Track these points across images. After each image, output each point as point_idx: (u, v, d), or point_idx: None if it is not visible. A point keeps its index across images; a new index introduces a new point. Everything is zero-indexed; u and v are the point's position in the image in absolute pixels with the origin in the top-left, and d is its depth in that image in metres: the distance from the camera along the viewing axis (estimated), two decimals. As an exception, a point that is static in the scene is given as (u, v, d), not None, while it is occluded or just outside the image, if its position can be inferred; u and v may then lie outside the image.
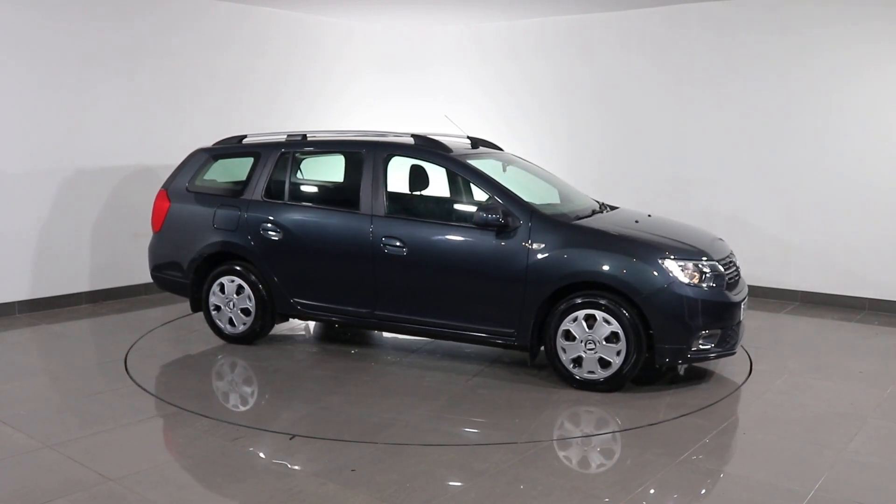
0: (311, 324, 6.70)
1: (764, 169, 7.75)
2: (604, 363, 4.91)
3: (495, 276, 5.12)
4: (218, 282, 5.97)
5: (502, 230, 5.10)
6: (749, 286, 7.79)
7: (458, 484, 3.72)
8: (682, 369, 5.32)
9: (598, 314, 4.88)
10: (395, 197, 5.75)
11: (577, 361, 4.97)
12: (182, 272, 6.10)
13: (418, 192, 6.09)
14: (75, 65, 7.12)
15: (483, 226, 5.11)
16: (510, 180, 6.20)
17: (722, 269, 5.05)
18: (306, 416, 4.57)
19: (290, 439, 4.22)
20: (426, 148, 5.60)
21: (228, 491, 3.64)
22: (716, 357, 5.03)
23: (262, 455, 4.03)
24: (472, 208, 5.42)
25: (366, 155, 5.66)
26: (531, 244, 5.04)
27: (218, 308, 6.00)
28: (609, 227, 5.21)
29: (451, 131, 6.44)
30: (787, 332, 6.72)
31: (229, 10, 8.26)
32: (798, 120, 7.53)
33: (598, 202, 5.97)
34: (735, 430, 4.45)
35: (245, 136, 6.32)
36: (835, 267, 7.48)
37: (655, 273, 4.83)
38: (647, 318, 4.81)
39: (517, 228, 5.08)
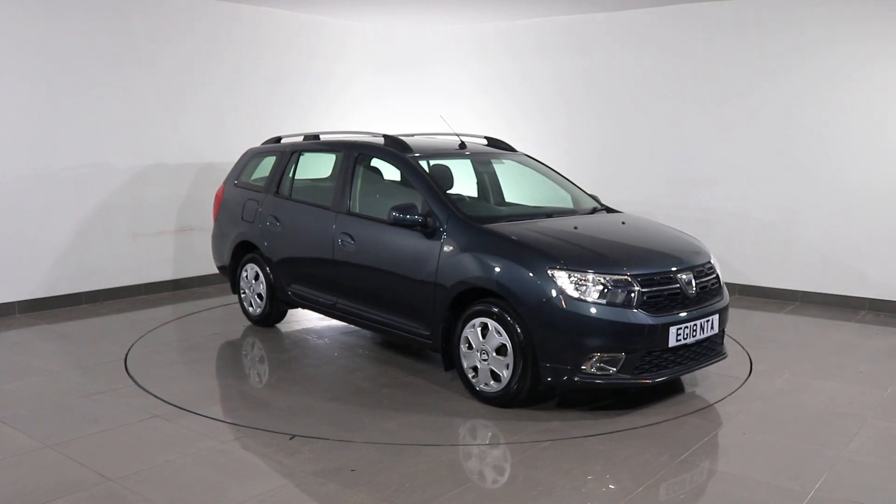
0: (318, 316, 6.73)
1: (764, 168, 7.75)
2: (495, 376, 4.65)
3: (416, 276, 5.08)
4: (245, 268, 6.66)
5: (423, 230, 5.04)
6: (749, 286, 7.86)
7: (458, 484, 3.72)
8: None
9: (491, 324, 4.62)
10: (359, 195, 5.81)
11: (476, 371, 4.77)
12: (224, 258, 6.89)
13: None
14: (73, 64, 7.12)
15: (397, 224, 5.10)
16: (506, 181, 6.22)
17: (638, 286, 4.43)
18: (306, 416, 4.57)
19: (290, 439, 4.22)
20: (386, 148, 5.68)
21: (228, 491, 3.64)
22: (618, 385, 4.45)
23: (262, 455, 4.03)
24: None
25: (342, 155, 5.94)
26: (443, 246, 4.92)
27: (245, 292, 6.71)
28: (514, 232, 4.82)
29: (463, 132, 6.48)
30: (787, 332, 6.72)
31: (229, 9, 8.26)
32: (798, 119, 7.53)
33: (599, 204, 5.92)
34: (735, 430, 4.45)
35: (281, 137, 6.90)
36: (835, 267, 7.48)
37: (540, 283, 4.40)
38: (530, 331, 4.45)
39: (437, 229, 4.99)
